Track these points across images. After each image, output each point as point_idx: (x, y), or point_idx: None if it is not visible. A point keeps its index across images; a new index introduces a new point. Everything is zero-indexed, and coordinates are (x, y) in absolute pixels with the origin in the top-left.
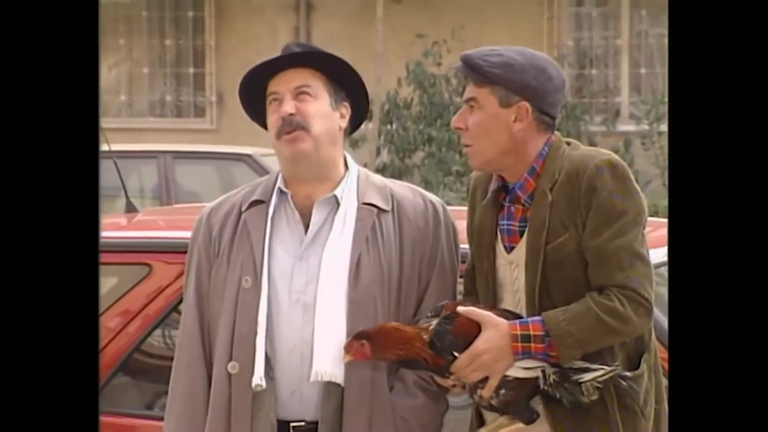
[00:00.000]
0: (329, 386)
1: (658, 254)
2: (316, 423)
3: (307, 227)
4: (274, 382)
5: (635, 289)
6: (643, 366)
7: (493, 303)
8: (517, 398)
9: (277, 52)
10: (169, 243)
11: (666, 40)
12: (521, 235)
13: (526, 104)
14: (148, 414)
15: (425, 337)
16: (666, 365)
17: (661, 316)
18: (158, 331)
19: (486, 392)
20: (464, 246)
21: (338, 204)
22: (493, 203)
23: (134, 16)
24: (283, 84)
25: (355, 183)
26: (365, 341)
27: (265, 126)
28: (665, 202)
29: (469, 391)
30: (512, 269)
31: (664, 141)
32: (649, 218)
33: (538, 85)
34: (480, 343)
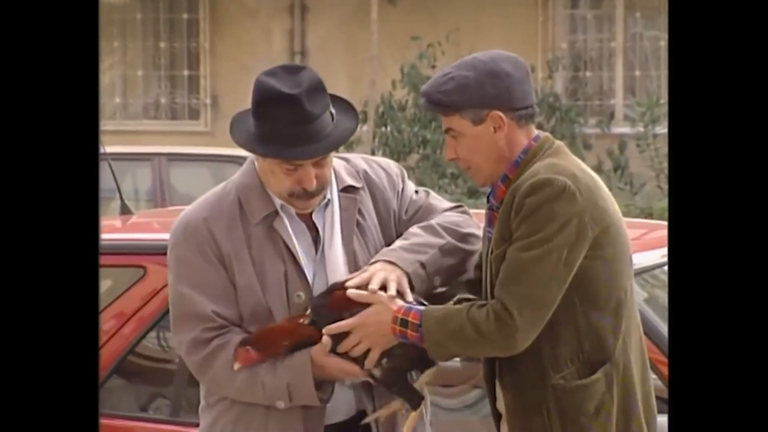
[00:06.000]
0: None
1: (654, 256)
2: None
3: (310, 236)
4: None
5: (506, 306)
6: (599, 374)
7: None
8: (400, 367)
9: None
10: (164, 245)
11: (661, 43)
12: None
13: (497, 112)
14: (143, 416)
15: (305, 321)
16: (663, 369)
17: (657, 320)
18: (153, 334)
19: (368, 363)
20: None
21: (326, 199)
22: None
23: (129, 19)
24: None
25: (333, 174)
26: (249, 347)
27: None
28: (660, 204)
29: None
30: (485, 271)
31: (659, 143)
32: (644, 220)
33: (498, 91)
34: (364, 315)
